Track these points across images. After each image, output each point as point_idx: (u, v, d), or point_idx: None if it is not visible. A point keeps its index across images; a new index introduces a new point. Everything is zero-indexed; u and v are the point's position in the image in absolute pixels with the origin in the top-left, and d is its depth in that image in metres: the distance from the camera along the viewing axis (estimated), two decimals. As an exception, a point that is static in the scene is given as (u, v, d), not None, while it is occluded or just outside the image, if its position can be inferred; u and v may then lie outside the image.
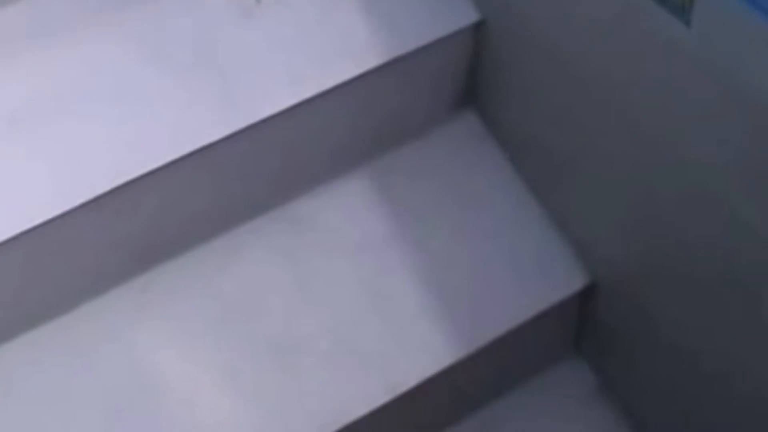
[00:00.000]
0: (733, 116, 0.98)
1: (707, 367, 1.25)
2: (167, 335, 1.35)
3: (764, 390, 1.15)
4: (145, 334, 1.35)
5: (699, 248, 1.16)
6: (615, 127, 1.21)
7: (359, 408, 1.31)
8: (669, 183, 1.16)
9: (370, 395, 1.32)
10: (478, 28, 1.42)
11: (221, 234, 1.41)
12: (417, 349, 1.35)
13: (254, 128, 1.32)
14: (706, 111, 1.02)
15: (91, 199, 1.25)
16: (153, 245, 1.37)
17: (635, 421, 1.49)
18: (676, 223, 1.18)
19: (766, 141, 0.95)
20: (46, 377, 1.31)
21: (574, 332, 1.51)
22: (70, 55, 1.33)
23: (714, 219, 1.09)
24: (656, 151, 1.14)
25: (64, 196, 1.26)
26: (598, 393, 1.51)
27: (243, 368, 1.34)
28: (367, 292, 1.39)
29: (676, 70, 1.03)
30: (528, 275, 1.40)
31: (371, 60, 1.37)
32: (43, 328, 1.34)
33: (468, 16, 1.42)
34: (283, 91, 1.34)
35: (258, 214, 1.43)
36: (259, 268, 1.40)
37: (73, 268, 1.33)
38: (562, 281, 1.40)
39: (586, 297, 1.42)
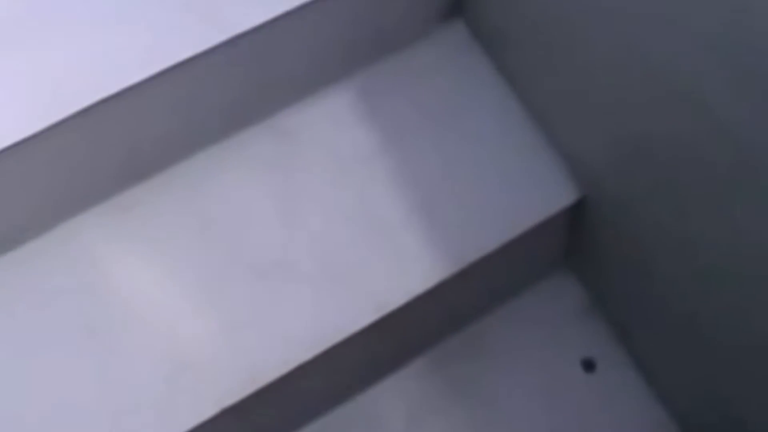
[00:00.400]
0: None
1: (696, 276, 1.24)
2: (147, 255, 1.32)
3: (750, 293, 1.15)
4: (124, 254, 1.32)
5: (683, 155, 1.13)
6: (603, 31, 1.17)
7: (346, 328, 1.29)
8: (654, 90, 1.12)
9: (358, 315, 1.30)
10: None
11: (204, 149, 1.37)
12: (405, 267, 1.33)
13: (234, 42, 1.27)
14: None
15: (69, 117, 1.21)
16: (134, 163, 1.34)
17: (624, 334, 1.48)
18: (662, 132, 1.15)
19: (744, 41, 0.93)
20: (23, 298, 1.30)
21: (563, 247, 1.49)
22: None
23: (698, 124, 1.07)
24: (642, 58, 1.11)
25: (40, 114, 1.21)
26: (588, 307, 1.50)
27: (225, 289, 1.31)
28: (352, 209, 1.36)
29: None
30: (518, 190, 1.36)
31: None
32: (20, 249, 1.32)
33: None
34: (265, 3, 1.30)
35: (241, 128, 1.39)
36: (242, 184, 1.37)
37: (50, 188, 1.30)
38: (552, 196, 1.37)
39: (576, 211, 1.40)
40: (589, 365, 1.47)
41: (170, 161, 1.37)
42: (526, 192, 1.36)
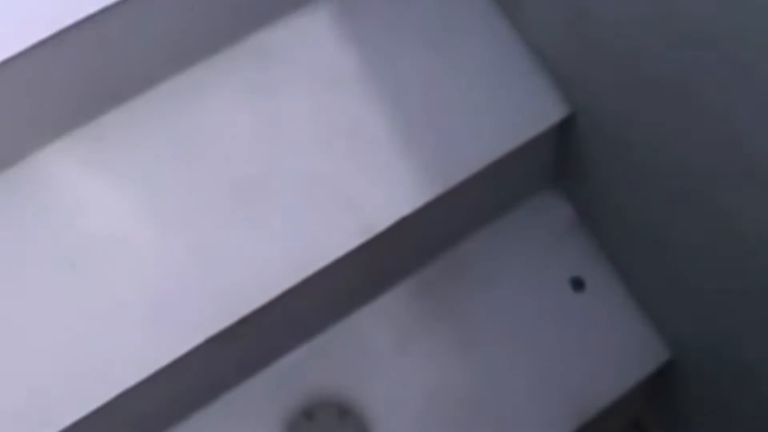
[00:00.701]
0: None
1: (684, 192, 1.22)
2: (123, 184, 1.28)
3: (741, 203, 1.13)
4: (99, 185, 1.28)
5: (669, 67, 1.10)
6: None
7: (332, 252, 1.26)
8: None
9: (343, 238, 1.27)
10: None
11: (179, 72, 1.31)
12: (391, 188, 1.29)
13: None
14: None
15: (36, 42, 1.16)
16: (105, 88, 1.28)
17: (613, 252, 1.46)
18: (649, 48, 1.12)
19: None
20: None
21: (551, 165, 1.45)
22: None
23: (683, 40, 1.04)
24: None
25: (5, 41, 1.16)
26: (575, 225, 1.47)
27: (205, 214, 1.27)
28: (335, 129, 1.31)
29: None
30: (506, 107, 1.32)
31: None
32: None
33: None
34: None
35: (218, 50, 1.33)
36: (220, 106, 1.32)
37: (20, 115, 1.24)
38: (542, 113, 1.33)
39: (565, 128, 1.36)
40: (578, 284, 1.45)
41: (143, 86, 1.31)
42: (514, 109, 1.32)
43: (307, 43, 1.35)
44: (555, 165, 1.45)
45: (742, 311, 1.26)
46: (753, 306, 1.22)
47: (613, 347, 1.43)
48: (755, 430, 1.37)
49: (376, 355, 1.41)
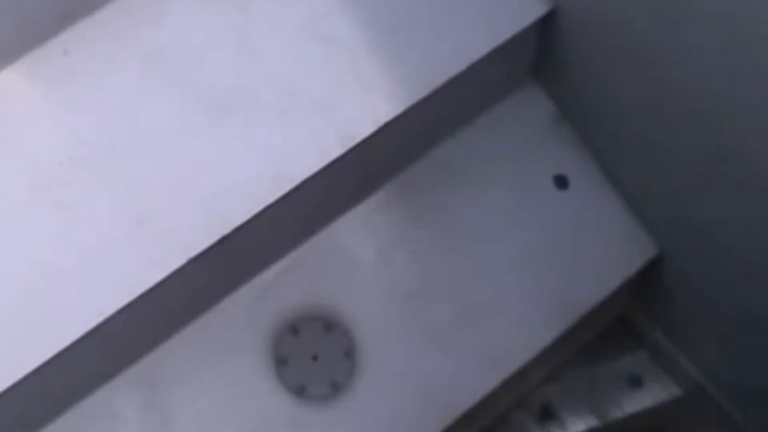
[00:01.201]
0: None
1: (666, 85, 1.19)
2: (95, 100, 1.22)
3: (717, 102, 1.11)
4: (70, 101, 1.21)
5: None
6: None
7: (313, 164, 1.22)
8: None
9: (324, 148, 1.22)
10: None
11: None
12: (370, 95, 1.24)
13: None
14: None
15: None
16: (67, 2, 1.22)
17: (596, 149, 1.42)
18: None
19: None
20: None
21: (532, 61, 1.40)
22: None
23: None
24: None
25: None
26: (557, 121, 1.43)
27: (181, 129, 1.22)
28: (313, 37, 1.25)
29: None
30: (485, 5, 1.27)
31: None
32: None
33: None
34: None
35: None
36: (192, 16, 1.25)
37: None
38: (521, 10, 1.28)
39: (546, 23, 1.31)
40: (561, 182, 1.41)
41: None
42: (494, 7, 1.27)
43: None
44: (536, 62, 1.40)
45: (725, 203, 1.24)
46: (736, 198, 1.21)
47: (600, 244, 1.41)
48: (736, 321, 1.37)
49: (359, 265, 1.37)
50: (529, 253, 1.40)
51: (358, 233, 1.38)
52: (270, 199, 1.21)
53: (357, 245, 1.38)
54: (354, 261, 1.38)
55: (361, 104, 1.24)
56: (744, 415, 1.49)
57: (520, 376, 1.38)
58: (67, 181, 1.19)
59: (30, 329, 1.15)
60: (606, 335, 1.58)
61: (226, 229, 1.20)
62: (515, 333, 1.37)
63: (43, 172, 1.19)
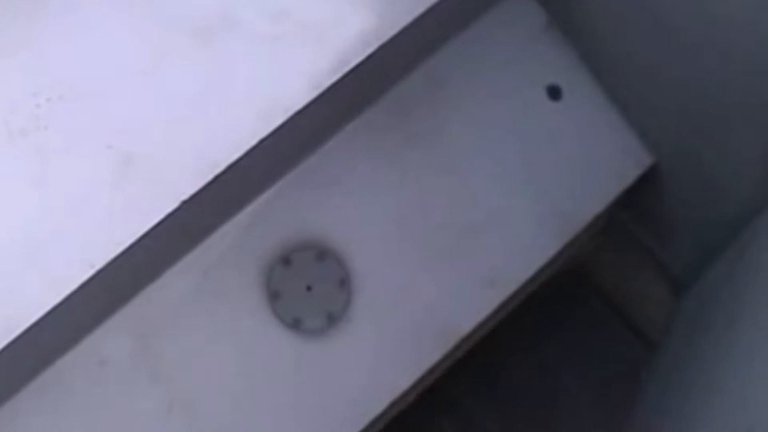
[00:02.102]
0: None
1: None
2: (71, 29, 1.12)
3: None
4: (41, 34, 1.11)
5: None
6: None
7: (303, 93, 1.13)
8: None
9: (315, 75, 1.14)
10: None
11: None
12: (362, 17, 1.15)
13: None
14: None
15: None
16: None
17: (588, 57, 1.36)
18: None
19: None
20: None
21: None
22: None
23: None
24: None
25: None
26: (549, 30, 1.36)
27: (166, 59, 1.12)
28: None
29: None
30: None
31: None
32: None
33: None
34: None
35: None
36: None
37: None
38: None
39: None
40: (554, 92, 1.35)
41: None
42: None
43: None
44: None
45: (719, 112, 1.21)
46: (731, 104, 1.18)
47: (595, 156, 1.36)
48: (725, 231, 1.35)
49: (350, 190, 1.31)
50: (524, 168, 1.35)
51: (347, 157, 1.31)
52: (264, 132, 1.13)
53: (347, 170, 1.31)
54: (345, 186, 1.31)
55: (354, 27, 1.16)
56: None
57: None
58: (44, 124, 1.10)
59: (15, 287, 1.08)
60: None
61: (219, 166, 1.12)
62: (513, 251, 1.33)
63: (17, 117, 1.09)
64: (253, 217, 1.29)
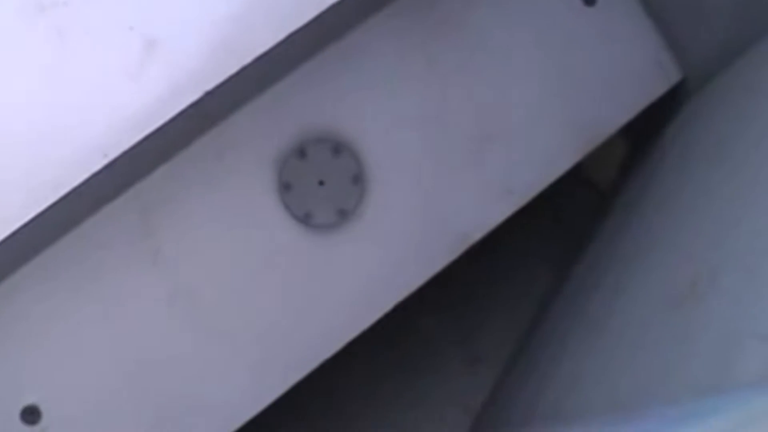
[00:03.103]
0: None
1: None
2: None
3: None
4: None
5: None
6: None
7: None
8: None
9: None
10: None
11: None
12: None
13: None
14: None
15: None
16: None
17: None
18: None
19: None
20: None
21: None
22: None
23: None
24: None
25: None
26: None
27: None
28: None
29: None
30: None
31: None
32: None
33: None
34: None
35: None
36: None
37: None
38: None
39: None
40: (589, -3, 1.30)
41: None
42: None
43: None
44: None
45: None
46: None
47: (623, 66, 1.30)
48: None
49: (372, 83, 1.25)
50: (551, 74, 1.29)
51: (371, 48, 1.25)
52: (298, 23, 1.07)
53: (370, 61, 1.25)
54: (366, 79, 1.25)
55: None
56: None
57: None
58: (64, 1, 1.02)
59: (30, 173, 1.02)
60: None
61: (248, 56, 1.06)
62: (533, 160, 1.29)
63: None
64: (269, 105, 1.23)
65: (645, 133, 1.38)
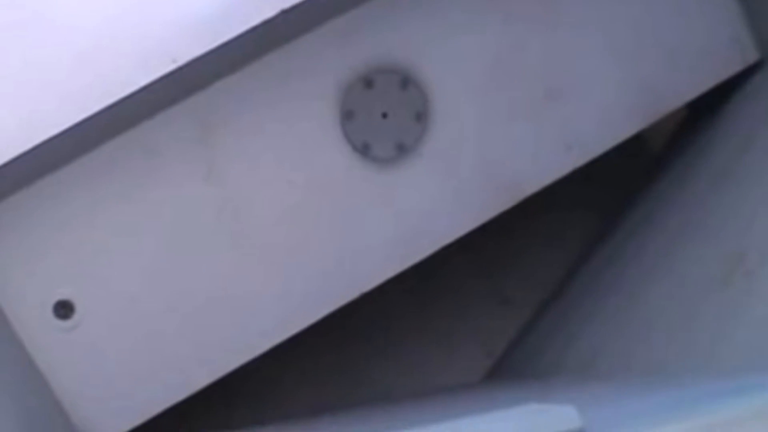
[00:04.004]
0: None
1: None
2: None
3: None
4: None
5: None
6: None
7: None
8: None
9: None
10: None
11: None
12: None
13: None
14: None
15: None
16: None
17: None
18: None
19: None
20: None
21: None
22: None
23: None
24: None
25: None
26: None
27: None
28: None
29: None
30: None
31: None
32: None
33: None
34: None
35: None
36: None
37: None
38: None
39: None
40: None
41: None
42: None
43: None
44: None
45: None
46: None
47: (701, 40, 1.29)
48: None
49: (448, 22, 1.23)
50: (627, 40, 1.28)
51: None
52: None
53: (451, 2, 1.23)
54: (444, 17, 1.24)
55: None
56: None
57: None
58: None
59: (99, 70, 1.02)
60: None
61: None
62: (596, 121, 1.28)
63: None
64: (342, 29, 1.21)
65: (706, 102, 1.37)
